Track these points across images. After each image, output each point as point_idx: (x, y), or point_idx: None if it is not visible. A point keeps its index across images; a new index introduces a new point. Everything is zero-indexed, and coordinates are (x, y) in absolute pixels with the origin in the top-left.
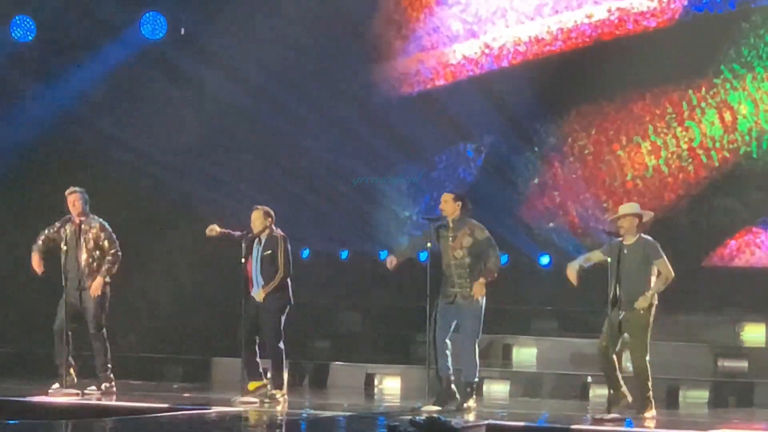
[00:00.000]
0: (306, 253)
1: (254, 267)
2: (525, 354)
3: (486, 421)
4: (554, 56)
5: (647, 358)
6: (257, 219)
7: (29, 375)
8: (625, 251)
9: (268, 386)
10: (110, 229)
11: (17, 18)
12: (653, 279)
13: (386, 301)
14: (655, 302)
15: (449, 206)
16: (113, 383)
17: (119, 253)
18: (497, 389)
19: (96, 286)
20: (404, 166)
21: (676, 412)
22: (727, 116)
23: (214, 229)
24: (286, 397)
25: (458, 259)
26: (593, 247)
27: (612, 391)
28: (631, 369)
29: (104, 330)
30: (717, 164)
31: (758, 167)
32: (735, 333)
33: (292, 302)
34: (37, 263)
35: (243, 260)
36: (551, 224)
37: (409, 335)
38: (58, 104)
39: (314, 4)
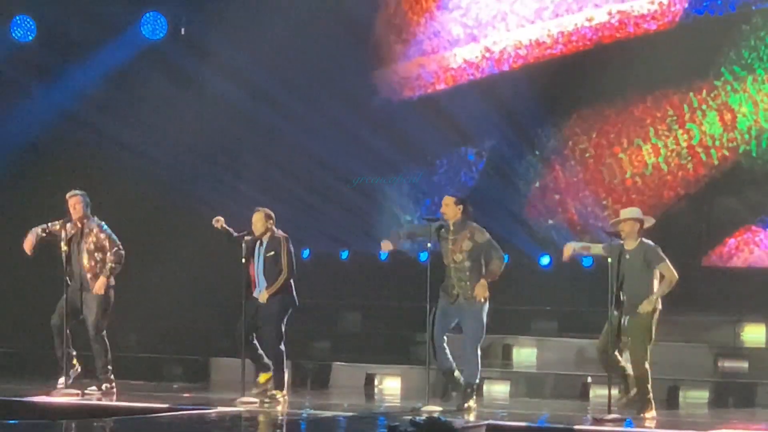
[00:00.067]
0: (306, 253)
1: (257, 268)
2: (525, 354)
3: (486, 422)
4: (555, 59)
5: (647, 364)
6: (258, 221)
7: (29, 375)
8: (627, 256)
9: (269, 386)
10: (110, 230)
11: (17, 18)
12: (656, 282)
13: (386, 301)
14: (659, 307)
15: (450, 210)
16: (114, 384)
17: (122, 252)
18: (497, 389)
19: (99, 285)
20: (406, 170)
21: (677, 412)
22: (728, 118)
23: (219, 220)
24: (286, 397)
25: (458, 263)
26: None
27: (621, 386)
28: (630, 371)
29: (104, 333)
30: (716, 163)
31: (758, 166)
32: (735, 333)
33: (297, 303)
34: (29, 245)
35: (243, 260)
36: (550, 221)
37: (409, 335)
38: (58, 104)
39: (315, 7)
